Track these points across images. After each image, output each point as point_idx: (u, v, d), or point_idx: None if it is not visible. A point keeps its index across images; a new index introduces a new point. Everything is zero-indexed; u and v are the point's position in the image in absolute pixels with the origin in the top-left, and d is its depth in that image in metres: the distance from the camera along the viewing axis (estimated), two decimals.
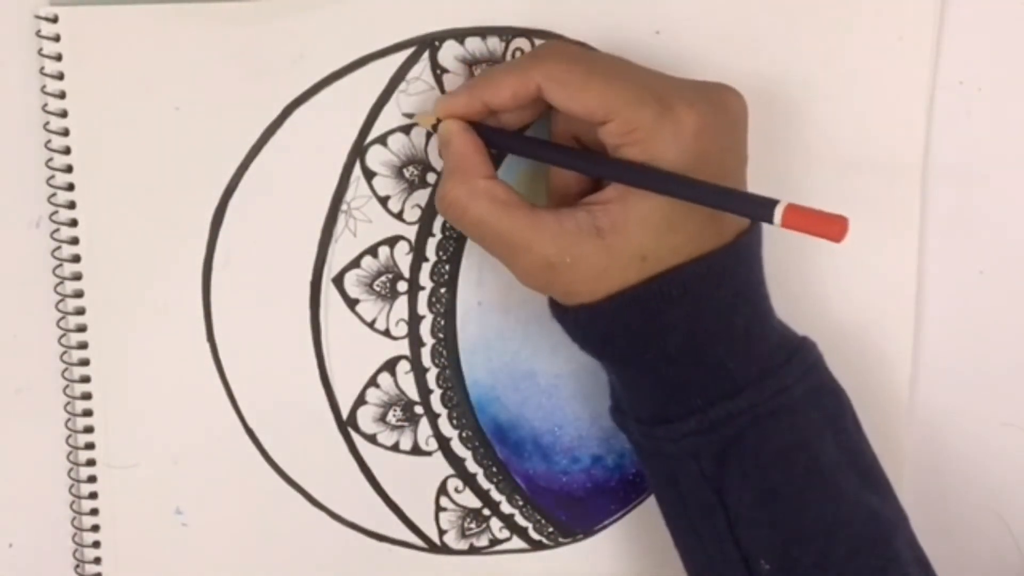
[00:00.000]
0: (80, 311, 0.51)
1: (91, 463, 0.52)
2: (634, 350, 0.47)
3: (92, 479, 0.52)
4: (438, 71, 0.51)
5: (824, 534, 0.47)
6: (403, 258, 0.52)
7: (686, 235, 0.45)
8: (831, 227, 0.40)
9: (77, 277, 0.51)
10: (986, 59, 0.55)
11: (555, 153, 0.48)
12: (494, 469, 0.54)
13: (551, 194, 0.50)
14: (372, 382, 0.53)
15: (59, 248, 0.51)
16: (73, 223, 0.51)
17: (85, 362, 0.51)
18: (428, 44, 0.51)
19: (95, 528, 0.53)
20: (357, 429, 0.53)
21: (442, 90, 0.51)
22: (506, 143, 0.48)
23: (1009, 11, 0.54)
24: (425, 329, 0.53)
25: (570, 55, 0.47)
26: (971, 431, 0.57)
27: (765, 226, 0.46)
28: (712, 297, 0.46)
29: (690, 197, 0.44)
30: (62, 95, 0.49)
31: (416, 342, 0.53)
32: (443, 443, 0.54)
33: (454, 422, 0.54)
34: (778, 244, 0.54)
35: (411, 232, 0.52)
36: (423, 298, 0.53)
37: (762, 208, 0.42)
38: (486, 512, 0.55)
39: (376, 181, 0.52)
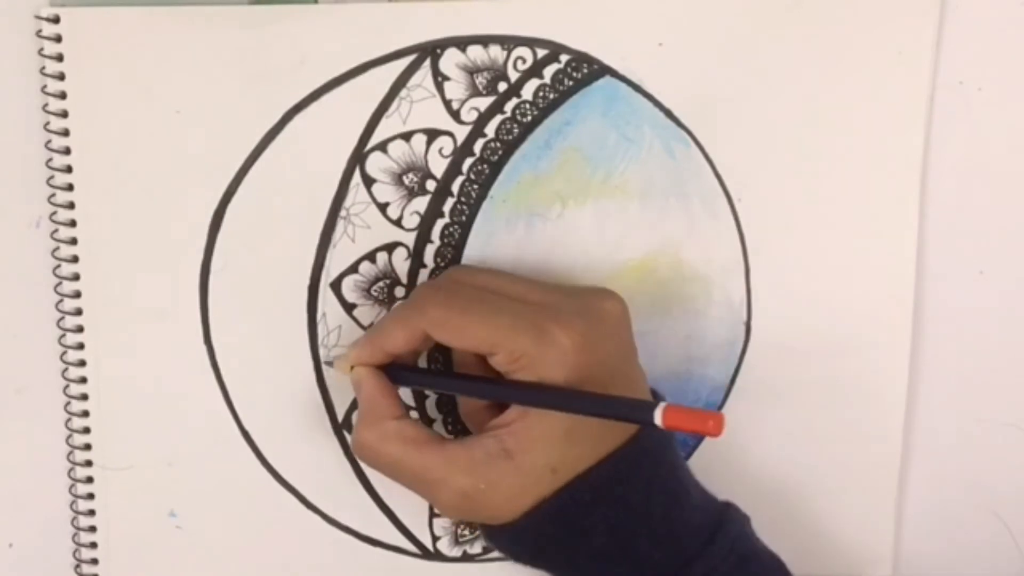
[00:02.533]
0: (79, 311, 0.51)
1: (89, 464, 0.52)
2: (565, 555, 0.48)
3: (90, 480, 0.53)
4: (439, 78, 0.51)
5: None
6: (401, 264, 0.52)
7: (589, 441, 0.47)
8: (707, 424, 0.42)
9: (76, 277, 0.51)
10: (986, 59, 0.54)
11: (457, 384, 0.51)
12: None
13: (463, 413, 0.52)
14: None
15: (59, 248, 0.51)
16: (73, 223, 0.51)
17: (84, 363, 0.52)
18: (430, 51, 0.51)
19: (92, 529, 0.53)
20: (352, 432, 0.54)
21: (443, 98, 0.51)
22: (414, 380, 0.51)
23: (1009, 11, 0.54)
24: None
25: (448, 297, 0.48)
26: (971, 431, 0.57)
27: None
28: (624, 493, 0.47)
29: (577, 410, 0.46)
30: (63, 95, 0.50)
31: None
32: None
33: (449, 427, 0.54)
34: (778, 244, 0.54)
35: (409, 239, 0.52)
36: None
37: (642, 412, 0.44)
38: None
39: (375, 188, 0.52)
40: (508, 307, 0.47)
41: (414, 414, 0.54)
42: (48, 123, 0.50)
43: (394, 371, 0.49)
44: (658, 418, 0.43)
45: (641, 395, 0.49)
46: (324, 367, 0.52)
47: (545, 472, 0.47)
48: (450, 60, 0.51)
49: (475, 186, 0.52)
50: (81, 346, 0.52)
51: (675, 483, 0.49)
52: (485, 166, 0.52)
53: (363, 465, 0.53)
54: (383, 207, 0.52)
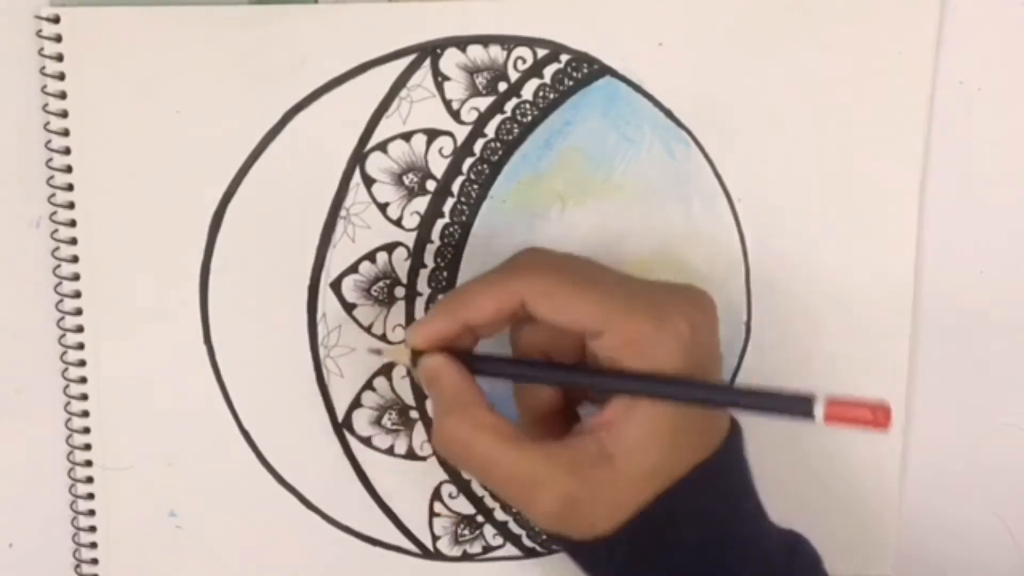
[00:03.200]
0: (79, 311, 0.51)
1: (89, 464, 0.52)
2: (652, 572, 0.44)
3: (90, 480, 0.53)
4: (439, 78, 0.51)
5: None
6: (401, 264, 0.52)
7: (689, 444, 0.43)
8: (875, 415, 0.38)
9: (76, 277, 0.51)
10: (986, 59, 0.54)
11: (560, 374, 0.45)
12: None
13: (523, 418, 0.47)
14: (368, 386, 0.53)
15: (59, 248, 0.51)
16: (73, 223, 0.51)
17: (84, 363, 0.52)
18: (430, 51, 0.51)
19: (92, 529, 0.53)
20: (352, 432, 0.53)
21: (443, 98, 0.51)
22: (498, 369, 0.45)
23: (1009, 11, 0.54)
24: None
25: (550, 265, 0.44)
26: (971, 431, 0.57)
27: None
28: (716, 505, 0.44)
29: (722, 402, 0.42)
30: (63, 95, 0.50)
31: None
32: None
33: None
34: (778, 244, 0.54)
35: (409, 238, 0.52)
36: (420, 304, 0.53)
37: (800, 405, 0.39)
38: (480, 519, 0.55)
39: (375, 188, 0.52)
40: (622, 286, 0.44)
41: (414, 413, 0.54)
42: (48, 123, 0.50)
43: (471, 360, 0.43)
44: (819, 412, 0.38)
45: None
46: (369, 354, 0.48)
47: (645, 478, 0.42)
48: (450, 60, 0.51)
49: (475, 186, 0.52)
50: (81, 346, 0.52)
51: (755, 495, 0.46)
52: (485, 166, 0.52)
53: (363, 466, 0.53)
54: (383, 207, 0.52)
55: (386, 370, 0.53)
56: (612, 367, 0.43)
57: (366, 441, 0.54)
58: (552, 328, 0.44)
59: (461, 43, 0.51)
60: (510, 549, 0.55)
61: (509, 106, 0.52)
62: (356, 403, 0.53)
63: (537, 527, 0.44)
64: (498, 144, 0.52)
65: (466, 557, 0.55)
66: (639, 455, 0.42)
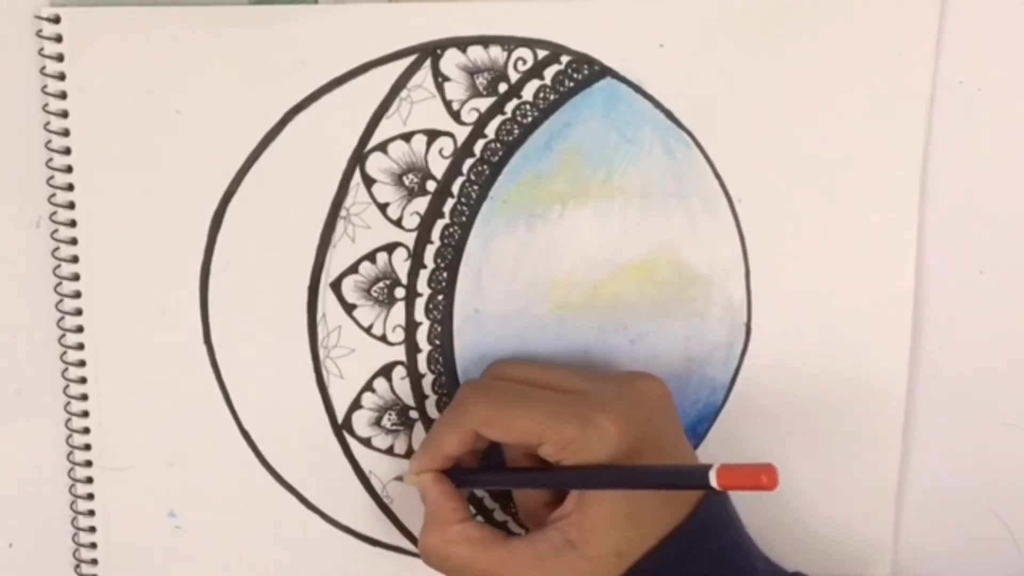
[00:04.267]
0: (79, 311, 0.51)
1: (89, 464, 0.52)
2: None
3: (90, 480, 0.53)
4: (440, 79, 0.51)
5: None
6: (401, 264, 0.52)
7: (650, 521, 0.47)
8: (760, 479, 0.41)
9: (76, 277, 0.51)
10: (986, 59, 0.54)
11: (513, 478, 0.52)
12: None
13: (522, 514, 0.53)
14: (368, 387, 0.53)
15: (59, 248, 0.51)
16: (73, 223, 0.51)
17: (84, 363, 0.52)
18: (430, 52, 0.51)
19: (92, 529, 0.53)
20: (352, 432, 0.53)
21: (443, 98, 0.51)
22: (474, 481, 0.51)
23: (1009, 11, 0.54)
24: (422, 335, 0.53)
25: (487, 397, 0.49)
26: (971, 431, 0.57)
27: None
28: (691, 572, 0.47)
29: (631, 484, 0.46)
30: (63, 95, 0.49)
31: (412, 348, 0.53)
32: None
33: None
34: (778, 244, 0.54)
35: (410, 239, 0.52)
36: (420, 304, 0.53)
37: (697, 476, 0.43)
38: (479, 519, 0.55)
39: (375, 188, 0.51)
40: (550, 398, 0.49)
41: (413, 414, 0.54)
42: (48, 123, 0.50)
43: (456, 475, 0.50)
44: (713, 480, 0.42)
45: None
46: (395, 481, 0.54)
47: (610, 558, 0.47)
48: (450, 61, 0.51)
49: (475, 187, 0.52)
50: (81, 346, 0.52)
51: (740, 556, 0.49)
52: (485, 167, 0.52)
53: (363, 466, 0.54)
54: (383, 207, 0.52)
55: (386, 371, 0.53)
56: (559, 466, 0.48)
57: (366, 442, 0.54)
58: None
59: (461, 44, 0.51)
60: None
61: (509, 107, 0.52)
62: (356, 404, 0.53)
63: None
64: (498, 145, 0.52)
65: None
66: (599, 538, 0.47)
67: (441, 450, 0.49)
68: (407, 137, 0.51)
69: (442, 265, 0.53)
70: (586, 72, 0.52)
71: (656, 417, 0.49)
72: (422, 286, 0.53)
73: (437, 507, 0.49)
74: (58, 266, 0.51)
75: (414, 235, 0.52)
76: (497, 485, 0.53)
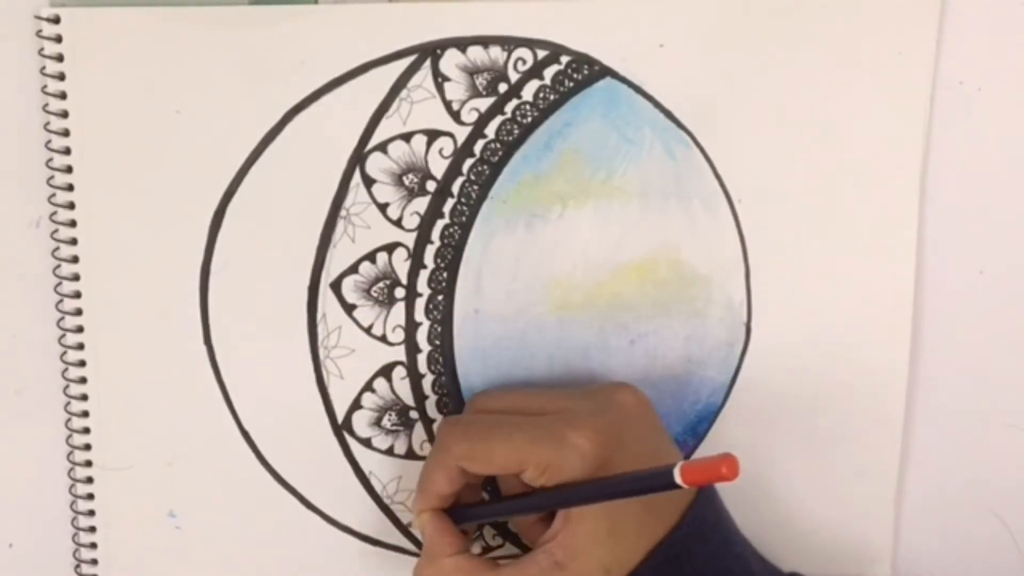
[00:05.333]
0: (79, 311, 0.51)
1: (89, 464, 0.52)
2: None
3: (90, 480, 0.53)
4: (439, 79, 0.51)
5: None
6: (401, 265, 0.52)
7: (634, 534, 0.48)
8: (720, 471, 0.42)
9: (76, 277, 0.51)
10: (986, 59, 0.55)
11: (503, 507, 0.52)
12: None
13: (524, 539, 0.54)
14: (368, 387, 0.53)
15: (59, 248, 0.51)
16: (73, 223, 0.51)
17: (84, 363, 0.52)
18: (430, 52, 0.51)
19: (92, 529, 0.53)
20: (352, 433, 0.53)
21: (443, 98, 0.51)
22: (470, 515, 0.51)
23: (1009, 11, 0.54)
24: (422, 336, 0.53)
25: (467, 429, 0.50)
26: (971, 431, 0.58)
27: None
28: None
29: (605, 495, 0.46)
30: (63, 96, 0.49)
31: (412, 348, 0.53)
32: None
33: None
34: (778, 244, 0.54)
35: (410, 239, 0.52)
36: (420, 305, 0.53)
37: (662, 477, 0.44)
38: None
39: (375, 188, 0.51)
40: (525, 424, 0.49)
41: (413, 414, 0.54)
42: (48, 123, 0.50)
43: (456, 511, 0.51)
44: (678, 477, 0.43)
45: None
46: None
47: (599, 574, 0.47)
48: (450, 61, 0.51)
49: (475, 187, 0.52)
50: (81, 346, 0.52)
51: (733, 560, 0.49)
52: (485, 167, 0.52)
53: (363, 467, 0.54)
54: (383, 207, 0.52)
55: (386, 371, 0.53)
56: (541, 489, 0.48)
57: (366, 442, 0.54)
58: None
59: (461, 44, 0.51)
60: (509, 549, 0.56)
61: (509, 107, 0.52)
62: (356, 404, 0.53)
63: None
64: (498, 145, 0.52)
65: None
66: (585, 556, 0.47)
67: (433, 490, 0.50)
68: (407, 137, 0.51)
69: (442, 265, 0.53)
70: (586, 72, 0.52)
71: (632, 427, 0.49)
72: (422, 286, 0.53)
73: (433, 542, 0.50)
74: (58, 266, 0.51)
75: (414, 235, 0.52)
76: (491, 516, 0.53)
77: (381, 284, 0.53)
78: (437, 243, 0.52)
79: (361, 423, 0.53)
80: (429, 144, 0.51)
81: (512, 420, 0.50)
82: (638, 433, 0.49)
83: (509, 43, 0.51)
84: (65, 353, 0.52)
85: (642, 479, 0.46)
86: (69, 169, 0.50)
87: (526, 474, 0.48)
